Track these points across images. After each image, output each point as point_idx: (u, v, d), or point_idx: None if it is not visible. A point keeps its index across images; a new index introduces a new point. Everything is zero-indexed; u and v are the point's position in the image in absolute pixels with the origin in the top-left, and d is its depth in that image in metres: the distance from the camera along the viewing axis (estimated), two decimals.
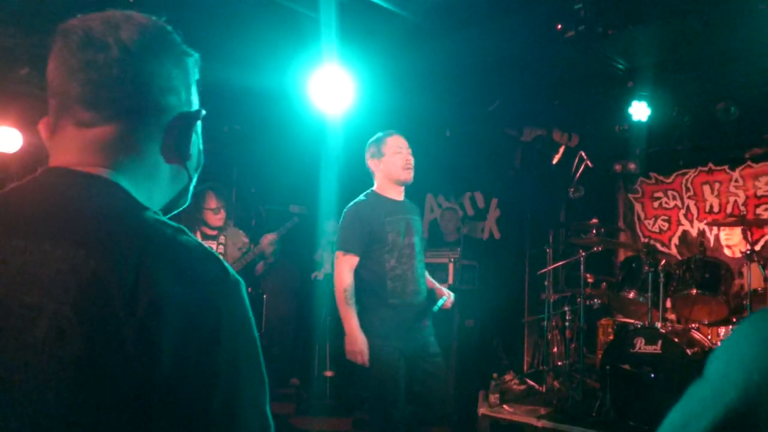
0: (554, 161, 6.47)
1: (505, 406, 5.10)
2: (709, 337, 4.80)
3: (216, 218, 4.66)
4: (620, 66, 5.41)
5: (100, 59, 0.94)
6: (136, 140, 0.97)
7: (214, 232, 4.71)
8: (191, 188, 1.10)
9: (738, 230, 5.05)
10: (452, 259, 5.76)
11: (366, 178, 3.78)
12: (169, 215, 1.06)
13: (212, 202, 4.63)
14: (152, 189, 1.01)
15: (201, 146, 1.09)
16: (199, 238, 4.70)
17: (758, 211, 5.90)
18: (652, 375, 4.36)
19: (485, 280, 6.22)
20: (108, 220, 0.89)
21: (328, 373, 6.00)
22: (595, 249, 5.54)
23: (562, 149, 6.45)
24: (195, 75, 1.07)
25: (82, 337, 0.79)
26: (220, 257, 0.93)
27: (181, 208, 1.11)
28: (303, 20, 4.53)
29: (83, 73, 0.94)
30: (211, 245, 4.57)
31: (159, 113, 0.99)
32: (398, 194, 3.71)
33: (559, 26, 4.37)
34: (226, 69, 5.20)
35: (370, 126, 4.03)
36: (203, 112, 1.06)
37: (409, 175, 3.65)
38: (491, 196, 7.36)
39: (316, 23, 4.50)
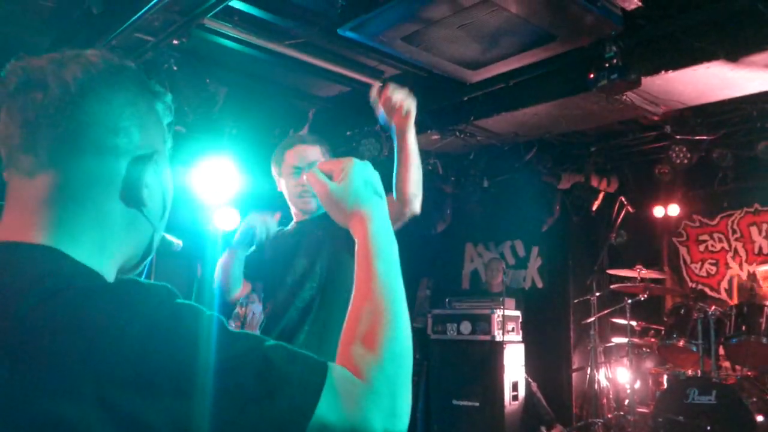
0: (593, 208, 6.40)
1: None
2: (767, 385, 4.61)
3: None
4: (656, 111, 5.38)
5: (38, 99, 0.87)
6: (76, 186, 0.90)
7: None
8: (155, 237, 1.01)
9: None
10: (494, 310, 5.68)
11: None
12: (137, 269, 1.00)
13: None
14: (103, 238, 0.92)
15: (165, 192, 1.00)
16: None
17: None
18: (708, 427, 4.19)
19: (529, 331, 6.11)
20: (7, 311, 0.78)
21: None
22: (641, 296, 5.42)
23: (601, 195, 6.39)
24: (164, 118, 0.99)
25: None
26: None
27: (148, 259, 1.01)
28: None
29: (21, 115, 0.88)
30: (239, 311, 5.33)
31: (103, 155, 0.90)
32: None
33: (591, 75, 4.37)
34: None
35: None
36: (158, 153, 0.96)
37: (305, 205, 2.68)
38: (531, 245, 7.29)
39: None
